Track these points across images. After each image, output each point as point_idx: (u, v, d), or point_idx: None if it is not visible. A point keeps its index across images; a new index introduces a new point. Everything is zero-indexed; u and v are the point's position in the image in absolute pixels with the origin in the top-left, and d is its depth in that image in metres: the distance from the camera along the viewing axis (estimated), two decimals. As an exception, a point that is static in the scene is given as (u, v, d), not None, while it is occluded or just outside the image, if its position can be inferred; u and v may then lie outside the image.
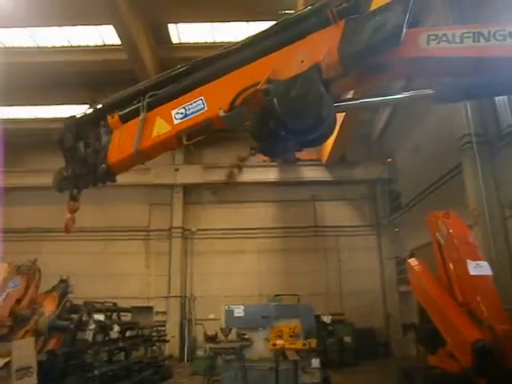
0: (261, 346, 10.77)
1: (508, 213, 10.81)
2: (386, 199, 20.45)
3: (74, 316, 8.59)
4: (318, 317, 14.27)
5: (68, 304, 8.73)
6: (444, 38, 3.44)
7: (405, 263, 16.51)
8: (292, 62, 3.36)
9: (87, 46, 14.19)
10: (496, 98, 11.42)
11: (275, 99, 3.19)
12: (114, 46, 13.97)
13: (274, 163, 20.46)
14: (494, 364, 5.42)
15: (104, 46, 14.20)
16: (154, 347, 14.06)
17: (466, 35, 3.42)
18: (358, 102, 3.85)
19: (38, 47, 14.15)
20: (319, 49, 3.32)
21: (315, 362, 10.37)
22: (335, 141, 17.31)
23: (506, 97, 10.97)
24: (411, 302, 16.58)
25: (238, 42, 3.68)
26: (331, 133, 3.41)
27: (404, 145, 17.50)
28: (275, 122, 3.24)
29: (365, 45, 3.24)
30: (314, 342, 10.62)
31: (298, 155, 18.98)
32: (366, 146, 21.36)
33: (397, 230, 19.11)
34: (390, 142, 20.00)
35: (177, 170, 20.05)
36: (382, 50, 3.30)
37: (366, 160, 20.77)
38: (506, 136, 10.82)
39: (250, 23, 13.66)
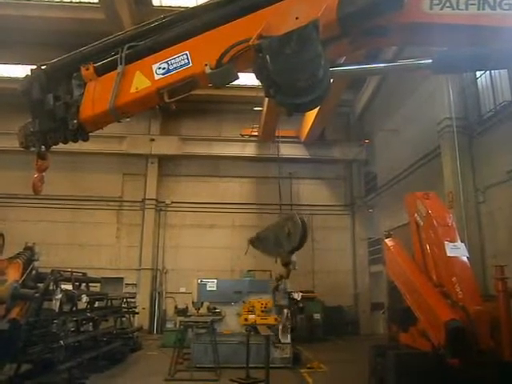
0: (232, 320, 10.76)
1: (482, 198, 10.97)
2: (362, 180, 20.60)
3: (40, 285, 8.24)
4: (288, 294, 14.33)
5: (34, 272, 8.36)
6: (448, 4, 3.24)
7: (377, 244, 16.79)
8: (287, 17, 3.09)
9: (61, 1, 13.38)
10: (479, 82, 11.43)
11: (268, 56, 2.93)
12: (90, 3, 13.25)
13: (252, 138, 20.20)
14: (466, 344, 5.48)
15: (80, 2, 13.42)
16: (124, 319, 13.86)
17: (470, 2, 3.23)
18: (352, 67, 3.64)
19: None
20: (317, 6, 3.06)
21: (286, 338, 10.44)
22: (315, 118, 17.19)
23: (489, 81, 10.99)
24: (381, 282, 16.91)
25: (228, -7, 3.36)
26: (324, 97, 3.18)
27: (383, 126, 17.52)
28: (267, 81, 2.98)
29: (366, 4, 3.00)
30: (285, 318, 10.66)
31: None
32: (346, 126, 21.36)
33: (370, 210, 19.31)
34: (369, 123, 20.02)
35: (152, 140, 19.53)
36: (384, 11, 3.08)
37: (344, 140, 20.78)
38: (487, 121, 10.88)
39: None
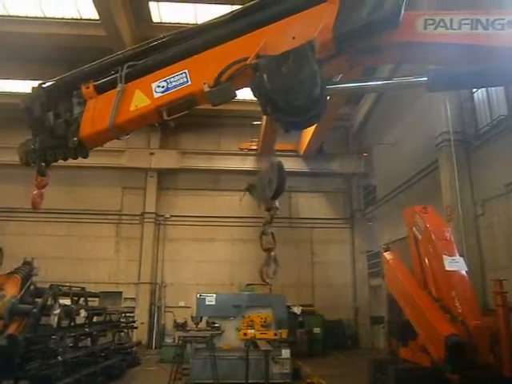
0: (231, 335, 10.68)
1: (480, 211, 10.99)
2: (361, 193, 20.63)
3: (39, 300, 8.21)
4: (288, 308, 14.26)
5: (32, 287, 8.33)
6: (441, 24, 3.32)
7: (377, 257, 16.76)
8: (284, 37, 3.17)
9: (63, 19, 13.55)
10: (476, 97, 11.55)
11: (265, 75, 2.99)
12: (91, 20, 13.40)
13: (251, 152, 20.27)
14: (466, 359, 5.45)
15: (81, 19, 13.60)
16: (122, 333, 13.76)
17: (464, 22, 3.30)
18: (348, 85, 3.67)
19: (10, 16, 13.39)
20: (313, 26, 3.13)
21: (285, 353, 10.37)
22: (314, 132, 17.30)
23: (485, 96, 11.10)
24: (380, 296, 16.83)
25: (227, 14, 3.44)
26: (322, 115, 3.23)
27: (381, 140, 17.62)
28: (264, 100, 3.04)
29: (361, 24, 3.08)
30: (285, 333, 10.61)
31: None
32: (344, 139, 21.46)
33: (370, 223, 19.30)
34: (367, 137, 20.13)
35: (152, 154, 19.60)
36: (379, 30, 3.15)
37: (343, 153, 20.87)
38: (484, 135, 10.96)
39: (234, 6, 13.30)
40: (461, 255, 7.02)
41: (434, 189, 12.34)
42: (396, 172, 16.08)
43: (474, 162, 11.35)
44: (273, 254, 4.31)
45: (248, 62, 3.09)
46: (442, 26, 3.30)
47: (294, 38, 3.13)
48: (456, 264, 6.42)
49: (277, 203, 4.30)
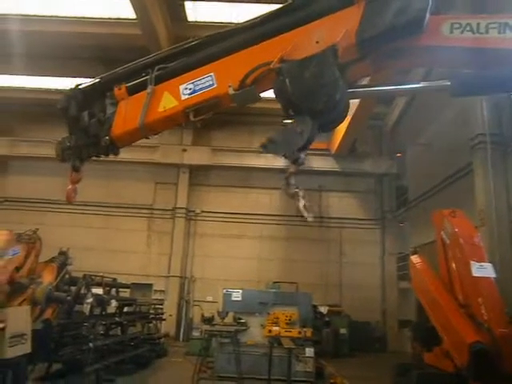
0: (256, 331, 10.82)
1: (515, 216, 10.64)
2: (393, 194, 20.31)
3: (73, 288, 8.62)
4: (314, 307, 14.28)
5: (67, 276, 8.74)
6: (468, 28, 3.27)
7: (407, 259, 16.47)
8: (307, 42, 3.22)
9: (101, 18, 13.98)
10: (514, 98, 11.16)
11: (287, 79, 3.07)
12: (128, 19, 13.74)
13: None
14: (491, 367, 5.36)
15: (118, 19, 13.98)
16: (151, 325, 14.17)
17: (491, 26, 3.24)
18: (372, 89, 3.71)
19: (50, 16, 13.94)
20: (337, 30, 3.17)
21: (309, 351, 10.42)
22: (346, 131, 17.15)
23: (524, 97, 10.73)
24: (410, 299, 16.57)
25: (253, 19, 3.54)
26: (343, 119, 3.29)
27: (415, 140, 17.27)
28: (286, 103, 3.12)
29: (384, 28, 3.08)
30: (309, 332, 10.65)
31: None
32: (377, 139, 21.15)
33: (401, 225, 18.98)
34: (400, 137, 19.77)
35: (184, 150, 19.98)
36: (403, 35, 3.14)
37: (375, 153, 20.59)
38: (522, 137, 10.60)
39: (271, 6, 13.34)
40: (493, 261, 6.86)
41: (467, 192, 12.02)
42: (429, 173, 15.74)
43: (510, 164, 11.00)
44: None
45: (271, 66, 3.17)
46: (468, 30, 3.26)
47: (317, 42, 3.18)
48: (484, 270, 6.28)
49: (303, 156, 3.54)
